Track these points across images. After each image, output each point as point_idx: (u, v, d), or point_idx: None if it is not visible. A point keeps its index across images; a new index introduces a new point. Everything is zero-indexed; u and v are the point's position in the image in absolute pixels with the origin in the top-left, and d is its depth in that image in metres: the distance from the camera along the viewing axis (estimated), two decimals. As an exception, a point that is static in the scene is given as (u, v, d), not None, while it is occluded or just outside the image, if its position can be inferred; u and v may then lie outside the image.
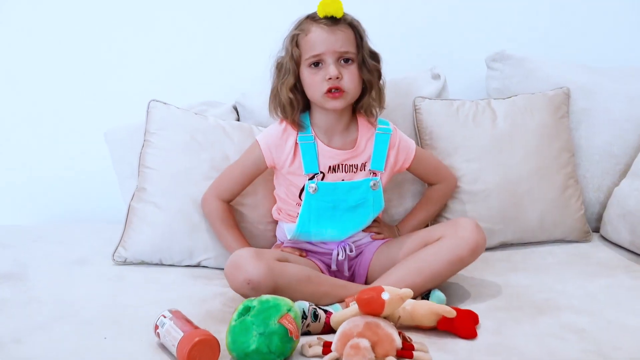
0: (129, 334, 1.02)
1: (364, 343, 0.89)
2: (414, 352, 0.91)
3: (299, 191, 1.23)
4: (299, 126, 1.23)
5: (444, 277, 1.14)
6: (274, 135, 1.24)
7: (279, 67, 1.22)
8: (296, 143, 1.22)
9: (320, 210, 1.21)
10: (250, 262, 1.05)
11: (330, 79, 1.15)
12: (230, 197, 1.32)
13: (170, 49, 1.76)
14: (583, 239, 1.46)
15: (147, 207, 1.39)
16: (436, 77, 1.61)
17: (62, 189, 1.80)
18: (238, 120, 1.59)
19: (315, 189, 1.20)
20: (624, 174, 1.50)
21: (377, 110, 1.25)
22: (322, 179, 1.22)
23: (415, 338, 0.96)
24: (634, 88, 1.56)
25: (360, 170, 1.24)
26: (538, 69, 1.61)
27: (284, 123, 1.24)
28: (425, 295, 1.13)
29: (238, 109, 1.61)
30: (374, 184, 1.23)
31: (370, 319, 0.94)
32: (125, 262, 1.37)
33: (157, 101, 1.48)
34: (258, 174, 1.29)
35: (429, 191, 1.38)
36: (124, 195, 1.55)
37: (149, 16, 1.74)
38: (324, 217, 1.22)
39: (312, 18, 1.20)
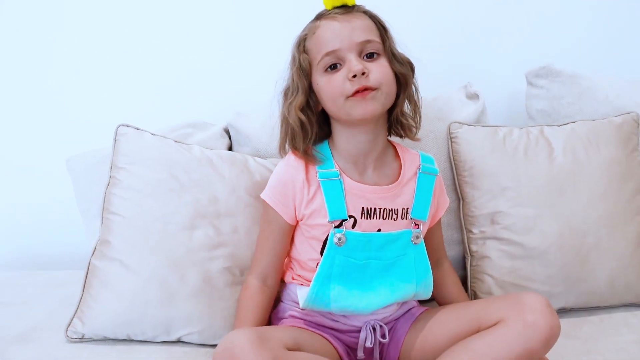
0: None
1: None
2: None
3: (320, 246, 0.93)
4: (315, 159, 0.94)
5: None
6: (282, 181, 0.95)
7: (286, 91, 0.94)
8: (315, 179, 0.93)
9: (346, 269, 0.92)
10: (250, 354, 0.76)
11: (354, 76, 0.86)
12: (273, 274, 1.00)
13: (150, 61, 1.46)
14: (662, 302, 1.18)
15: (111, 267, 1.08)
16: (473, 96, 1.32)
17: (12, 227, 1.50)
18: (230, 146, 1.30)
19: (342, 240, 0.90)
20: None
21: (414, 121, 0.97)
22: (353, 227, 0.92)
23: None
24: None
25: (402, 219, 0.95)
26: (595, 88, 1.32)
27: (292, 156, 0.96)
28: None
29: (230, 133, 1.32)
30: (417, 237, 0.95)
31: None
32: (82, 339, 1.06)
33: (127, 126, 1.18)
34: (289, 232, 0.98)
35: (451, 275, 1.07)
36: (89, 237, 1.26)
37: (124, 23, 1.44)
38: (349, 279, 0.92)
39: (318, 16, 0.93)
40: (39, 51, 1.45)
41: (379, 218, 0.93)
